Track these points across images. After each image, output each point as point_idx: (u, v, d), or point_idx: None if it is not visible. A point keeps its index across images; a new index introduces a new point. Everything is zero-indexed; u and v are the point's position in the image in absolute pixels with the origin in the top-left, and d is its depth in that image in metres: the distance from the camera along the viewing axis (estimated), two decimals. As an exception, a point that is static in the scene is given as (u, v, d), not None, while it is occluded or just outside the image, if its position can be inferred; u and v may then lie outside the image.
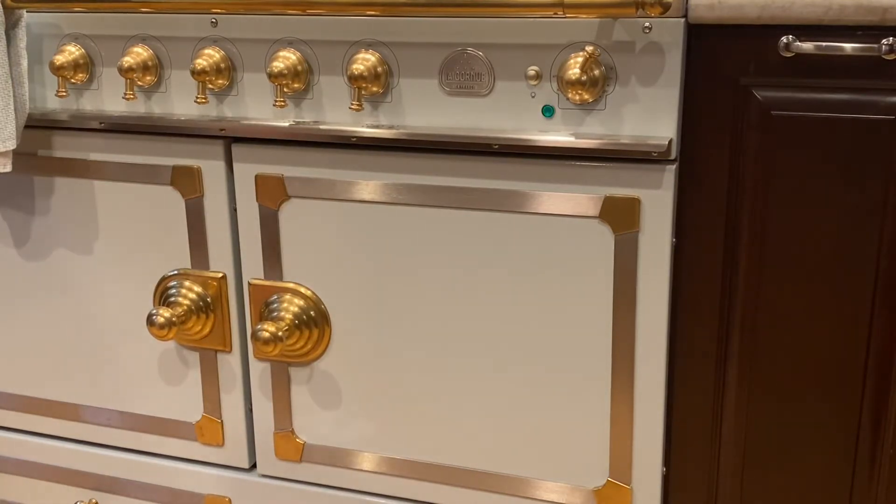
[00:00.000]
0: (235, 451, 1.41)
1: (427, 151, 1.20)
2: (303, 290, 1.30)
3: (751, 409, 1.21)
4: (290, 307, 1.30)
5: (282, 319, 1.29)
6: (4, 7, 1.22)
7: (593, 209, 1.15)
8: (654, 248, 1.16)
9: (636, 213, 1.14)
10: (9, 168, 1.25)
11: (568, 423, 1.24)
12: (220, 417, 1.39)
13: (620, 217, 1.15)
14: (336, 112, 1.22)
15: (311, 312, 1.30)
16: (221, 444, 1.40)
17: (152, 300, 1.36)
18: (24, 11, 1.25)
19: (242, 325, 1.35)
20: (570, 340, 1.21)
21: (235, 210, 1.30)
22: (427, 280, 1.24)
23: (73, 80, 1.31)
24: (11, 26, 1.24)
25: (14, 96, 1.24)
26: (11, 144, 1.23)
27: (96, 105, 1.33)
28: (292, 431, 1.38)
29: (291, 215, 1.28)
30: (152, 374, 1.41)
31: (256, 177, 1.28)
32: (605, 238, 1.16)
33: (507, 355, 1.24)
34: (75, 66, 1.29)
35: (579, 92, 1.10)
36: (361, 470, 1.35)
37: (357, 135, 1.22)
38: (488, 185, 1.19)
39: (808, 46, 1.06)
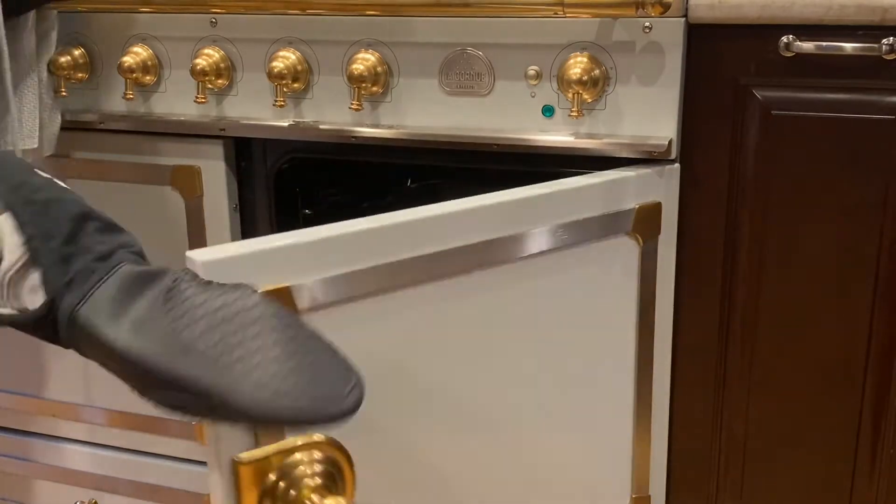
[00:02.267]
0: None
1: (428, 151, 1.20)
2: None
3: (751, 409, 1.21)
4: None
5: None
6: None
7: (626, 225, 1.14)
8: (664, 253, 1.15)
9: (658, 218, 1.14)
10: None
11: (594, 446, 1.21)
12: (220, 417, 1.39)
13: (646, 226, 1.14)
14: (336, 112, 1.22)
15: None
16: (221, 444, 1.40)
17: (152, 300, 1.35)
18: (56, 12, 1.24)
19: (242, 325, 1.34)
20: (598, 359, 1.17)
21: (236, 209, 1.30)
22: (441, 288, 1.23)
23: (72, 80, 1.30)
24: (44, 31, 1.23)
25: (40, 99, 1.23)
26: (32, 143, 1.23)
27: (96, 105, 1.32)
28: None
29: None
30: (152, 374, 1.41)
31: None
32: (632, 250, 1.15)
33: (536, 379, 1.18)
34: (75, 65, 1.29)
35: (579, 92, 1.10)
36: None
37: (357, 135, 1.21)
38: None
39: (808, 46, 1.06)
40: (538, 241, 1.06)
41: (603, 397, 1.18)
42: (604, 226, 1.10)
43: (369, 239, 0.95)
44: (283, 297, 0.88)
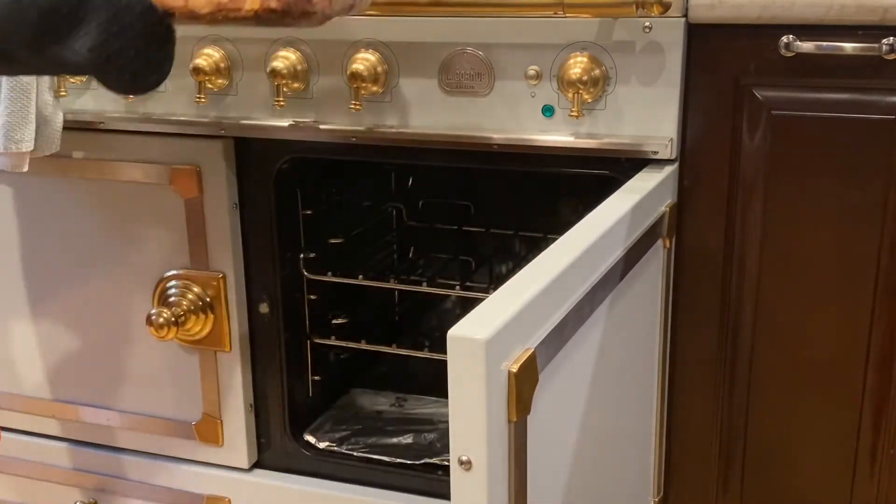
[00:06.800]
0: (235, 451, 1.41)
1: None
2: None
3: (751, 409, 1.21)
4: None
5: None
6: None
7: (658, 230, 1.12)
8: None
9: (675, 219, 1.14)
10: (25, 168, 1.24)
11: (625, 449, 1.20)
12: (220, 417, 1.39)
13: (670, 227, 1.14)
14: (336, 112, 1.22)
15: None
16: (221, 444, 1.40)
17: (152, 300, 1.35)
18: None
19: (242, 325, 1.35)
20: (635, 363, 1.16)
21: (236, 209, 1.30)
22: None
23: (72, 80, 1.30)
24: None
25: (37, 100, 1.22)
26: (27, 146, 1.22)
27: (96, 105, 1.32)
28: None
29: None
30: (152, 374, 1.41)
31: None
32: (661, 253, 1.15)
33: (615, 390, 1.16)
34: (75, 65, 1.29)
35: (579, 92, 1.10)
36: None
37: (357, 135, 1.21)
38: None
39: (808, 46, 1.06)
40: (623, 261, 1.02)
41: (636, 401, 1.18)
42: (652, 233, 1.10)
43: (568, 276, 0.87)
44: (530, 364, 0.77)
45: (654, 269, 1.13)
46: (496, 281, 1.48)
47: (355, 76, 1.17)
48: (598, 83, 1.11)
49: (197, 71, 1.23)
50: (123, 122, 1.31)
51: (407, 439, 1.42)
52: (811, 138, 1.10)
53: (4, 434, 1.53)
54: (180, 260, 1.34)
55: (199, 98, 1.24)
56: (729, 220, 1.15)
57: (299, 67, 1.21)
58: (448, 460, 0.84)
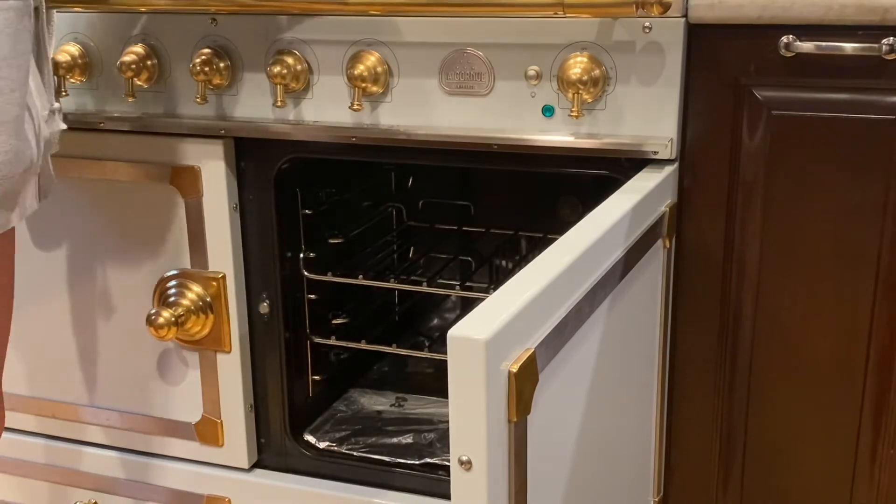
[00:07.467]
0: (235, 451, 1.41)
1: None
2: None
3: (751, 409, 1.21)
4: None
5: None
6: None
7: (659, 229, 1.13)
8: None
9: (674, 219, 1.14)
10: None
11: (624, 450, 1.20)
12: (220, 417, 1.39)
13: (670, 227, 1.14)
14: (336, 112, 1.22)
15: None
16: (221, 445, 1.40)
17: (152, 300, 1.36)
18: (55, 12, 1.23)
19: (242, 325, 1.35)
20: (635, 364, 1.17)
21: (236, 209, 1.30)
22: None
23: (72, 80, 1.30)
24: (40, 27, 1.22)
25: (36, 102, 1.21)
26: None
27: (96, 105, 1.32)
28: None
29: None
30: (152, 374, 1.41)
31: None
32: (660, 253, 1.15)
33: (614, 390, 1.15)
34: (74, 65, 1.29)
35: (579, 92, 1.10)
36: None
37: (357, 135, 1.22)
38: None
39: (808, 46, 1.07)
40: (623, 261, 1.01)
41: (636, 401, 1.18)
42: (652, 233, 1.10)
43: (568, 276, 0.87)
44: (530, 364, 0.77)
45: (654, 269, 1.13)
46: (496, 281, 1.48)
47: (355, 76, 1.17)
48: (598, 83, 1.11)
49: (197, 71, 1.23)
50: (123, 122, 1.31)
51: (407, 439, 1.42)
52: (811, 138, 1.10)
53: (5, 434, 1.53)
54: (180, 260, 1.34)
55: (199, 98, 1.24)
56: (729, 220, 1.15)
57: (299, 67, 1.21)
58: (448, 460, 0.84)
